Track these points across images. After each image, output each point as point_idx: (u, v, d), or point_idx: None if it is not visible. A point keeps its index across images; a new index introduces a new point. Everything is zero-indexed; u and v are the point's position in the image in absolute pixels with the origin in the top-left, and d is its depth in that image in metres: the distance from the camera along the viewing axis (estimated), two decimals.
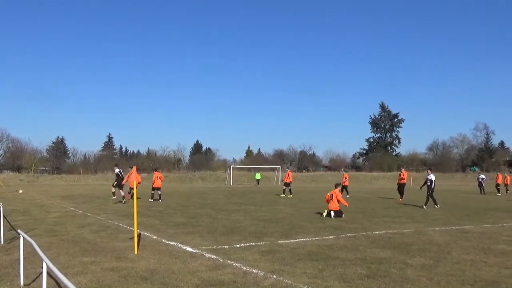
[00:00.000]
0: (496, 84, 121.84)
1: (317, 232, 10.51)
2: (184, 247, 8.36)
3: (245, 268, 6.62)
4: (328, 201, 13.94)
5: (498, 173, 33.91)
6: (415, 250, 8.23)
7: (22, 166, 70.47)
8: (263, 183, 49.81)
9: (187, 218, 13.44)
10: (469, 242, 9.24)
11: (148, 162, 76.96)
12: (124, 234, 10.13)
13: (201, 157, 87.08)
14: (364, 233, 10.34)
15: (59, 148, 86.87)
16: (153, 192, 20.75)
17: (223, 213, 14.88)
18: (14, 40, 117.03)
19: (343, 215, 13.52)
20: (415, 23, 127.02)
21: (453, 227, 11.66)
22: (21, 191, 29.16)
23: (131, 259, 7.28)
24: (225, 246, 8.48)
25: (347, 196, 23.46)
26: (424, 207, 17.55)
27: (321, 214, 13.98)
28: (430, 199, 17.97)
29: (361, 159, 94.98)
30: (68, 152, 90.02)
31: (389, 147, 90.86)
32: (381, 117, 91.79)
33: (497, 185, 31.47)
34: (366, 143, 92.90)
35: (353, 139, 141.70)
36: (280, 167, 56.83)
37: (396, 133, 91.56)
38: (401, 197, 22.34)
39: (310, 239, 9.46)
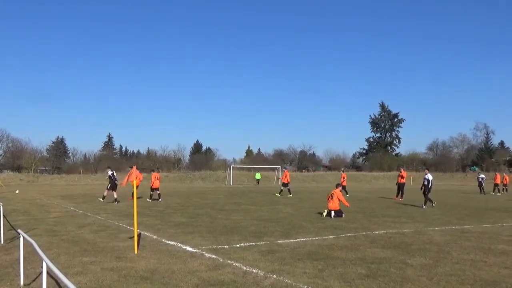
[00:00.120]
0: (496, 84, 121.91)
1: (317, 232, 10.51)
2: (184, 247, 8.37)
3: (245, 268, 6.62)
4: (328, 201, 13.96)
5: (496, 173, 33.96)
6: (415, 250, 8.24)
7: (22, 166, 70.44)
8: (263, 183, 49.82)
9: (187, 218, 13.44)
10: (469, 242, 9.25)
11: (148, 162, 76.94)
12: (124, 234, 10.13)
13: (201, 157, 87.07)
14: (364, 233, 10.34)
15: (59, 148, 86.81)
16: (151, 192, 20.78)
17: (223, 213, 14.88)
18: (14, 40, 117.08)
19: (343, 215, 13.52)
20: (415, 23, 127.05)
21: (453, 227, 11.66)
22: (17, 191, 29.15)
23: (131, 259, 7.28)
24: (225, 246, 8.48)
25: (347, 195, 23.48)
26: (424, 207, 17.56)
27: (321, 214, 13.99)
28: (424, 197, 17.99)
29: (361, 159, 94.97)
30: (68, 152, 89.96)
31: (389, 147, 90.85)
32: (381, 117, 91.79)
33: (496, 185, 31.52)
34: (366, 143, 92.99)
35: (353, 139, 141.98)
36: (280, 167, 56.81)
37: (396, 133, 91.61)
38: (401, 196, 22.37)
39: (310, 239, 9.46)
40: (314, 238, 9.51)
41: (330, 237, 9.74)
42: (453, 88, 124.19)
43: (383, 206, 18.65)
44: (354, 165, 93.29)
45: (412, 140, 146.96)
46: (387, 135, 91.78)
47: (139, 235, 8.98)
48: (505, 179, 32.80)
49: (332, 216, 13.36)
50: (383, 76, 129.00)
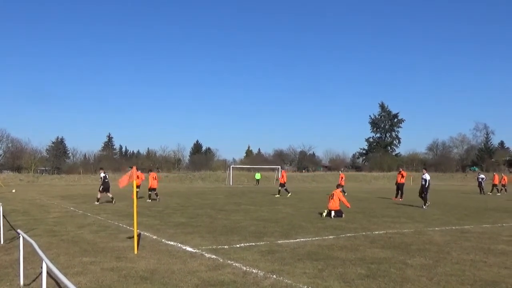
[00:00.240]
0: (496, 84, 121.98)
1: (317, 232, 10.51)
2: (184, 247, 8.37)
3: (245, 268, 6.62)
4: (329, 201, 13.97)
5: (494, 173, 34.01)
6: (415, 250, 8.24)
7: (22, 166, 70.40)
8: (263, 183, 49.81)
9: (187, 218, 13.44)
10: (468, 242, 9.25)
11: (148, 162, 76.90)
12: (124, 234, 10.13)
13: (201, 157, 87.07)
14: (364, 233, 10.34)
15: (59, 148, 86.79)
16: (150, 193, 20.82)
17: (223, 213, 14.88)
18: (14, 40, 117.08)
19: (343, 215, 13.52)
20: (415, 23, 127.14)
21: (453, 227, 11.66)
22: (13, 190, 29.14)
23: (131, 259, 7.28)
24: (225, 246, 8.48)
25: (345, 194, 23.47)
26: (424, 207, 17.56)
27: (321, 214, 13.98)
28: (426, 198, 17.99)
29: (361, 159, 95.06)
30: (68, 152, 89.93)
31: (389, 147, 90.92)
32: (381, 117, 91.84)
33: (494, 185, 31.57)
34: (366, 143, 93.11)
35: (353, 139, 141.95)
36: (279, 167, 56.85)
37: (396, 133, 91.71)
38: (401, 197, 22.36)
39: (310, 239, 9.46)
40: (314, 238, 9.51)
41: (330, 237, 9.74)
42: (453, 88, 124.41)
43: (382, 206, 18.65)
44: (354, 165, 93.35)
45: (412, 140, 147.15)
46: (387, 135, 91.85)
47: (139, 235, 8.98)
48: (504, 180, 32.85)
49: (332, 216, 13.36)
50: (383, 76, 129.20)
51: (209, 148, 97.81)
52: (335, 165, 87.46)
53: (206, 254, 7.67)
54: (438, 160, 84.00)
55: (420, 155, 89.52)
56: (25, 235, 5.67)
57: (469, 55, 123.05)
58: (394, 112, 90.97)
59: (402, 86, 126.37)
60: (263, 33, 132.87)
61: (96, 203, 18.72)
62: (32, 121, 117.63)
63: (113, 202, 18.80)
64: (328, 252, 7.97)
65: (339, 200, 13.79)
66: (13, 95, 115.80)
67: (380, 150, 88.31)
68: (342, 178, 25.91)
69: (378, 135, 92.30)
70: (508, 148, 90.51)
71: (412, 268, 6.74)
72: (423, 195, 18.17)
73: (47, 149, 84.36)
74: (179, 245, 8.63)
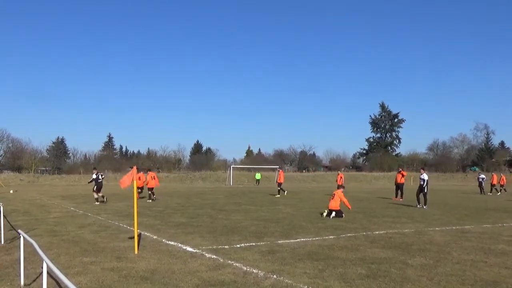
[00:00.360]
0: (496, 84, 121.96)
1: (317, 232, 10.51)
2: (184, 247, 8.37)
3: (245, 268, 6.63)
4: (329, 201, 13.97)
5: (493, 173, 34.04)
6: (415, 250, 8.24)
7: (22, 166, 70.43)
8: (263, 183, 49.82)
9: (187, 218, 13.44)
10: (469, 242, 9.24)
11: (149, 162, 76.95)
12: (124, 234, 10.13)
13: (201, 157, 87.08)
14: (364, 233, 10.34)
15: (59, 148, 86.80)
16: (149, 192, 20.86)
17: (223, 213, 14.88)
18: (14, 40, 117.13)
19: (343, 215, 13.51)
20: (415, 23, 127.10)
21: (453, 227, 11.66)
22: (11, 191, 29.14)
23: (131, 259, 7.28)
24: (225, 246, 8.48)
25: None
26: (424, 207, 17.56)
27: (321, 214, 13.98)
28: (423, 197, 18.00)
29: (361, 159, 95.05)
30: (68, 152, 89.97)
31: (389, 147, 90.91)
32: (381, 117, 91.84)
33: (493, 185, 31.59)
34: (366, 143, 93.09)
35: (353, 139, 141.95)
36: (277, 167, 56.85)
37: (396, 133, 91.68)
38: (401, 197, 22.34)
39: (310, 239, 9.46)
40: (314, 238, 9.51)
41: (330, 237, 9.74)
42: (453, 88, 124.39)
43: (383, 206, 18.65)
44: (354, 165, 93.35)
45: (412, 140, 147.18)
46: (387, 135, 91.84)
47: (139, 235, 8.99)
48: (502, 180, 32.91)
49: (331, 217, 13.34)
50: (383, 76, 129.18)
51: (209, 148, 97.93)
52: (335, 165, 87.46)
53: (206, 254, 7.67)
54: (439, 160, 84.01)
55: (421, 155, 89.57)
56: (25, 235, 5.68)
57: (469, 55, 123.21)
58: (394, 112, 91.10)
59: (402, 86, 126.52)
60: (263, 33, 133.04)
61: (96, 203, 18.75)
62: (32, 121, 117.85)
63: (105, 200, 19.09)
64: (329, 252, 7.97)
65: (340, 200, 13.78)
66: (13, 95, 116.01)
67: (380, 150, 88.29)
68: (341, 178, 25.91)
69: (378, 135, 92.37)
70: (508, 148, 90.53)
71: (413, 268, 6.74)
72: (421, 194, 18.14)
73: (47, 149, 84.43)
74: (180, 245, 8.63)
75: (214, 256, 7.49)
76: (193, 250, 8.06)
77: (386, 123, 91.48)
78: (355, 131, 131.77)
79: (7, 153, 74.76)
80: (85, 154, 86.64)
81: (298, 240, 9.32)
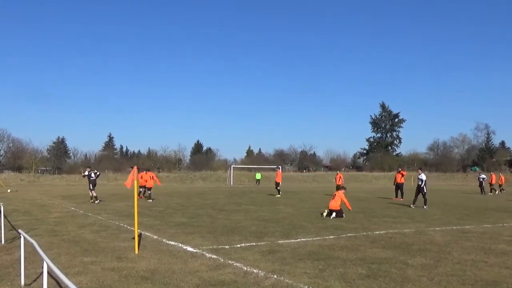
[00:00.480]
0: (496, 84, 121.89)
1: (318, 232, 10.51)
2: (184, 247, 8.37)
3: (245, 268, 6.63)
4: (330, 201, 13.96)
5: (491, 173, 34.06)
6: (415, 250, 8.23)
7: (22, 166, 70.43)
8: (264, 183, 49.81)
9: (187, 218, 13.44)
10: (469, 242, 9.24)
11: (149, 162, 76.98)
12: (124, 234, 10.14)
13: (201, 157, 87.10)
14: (364, 233, 10.34)
15: (59, 148, 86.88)
16: (150, 192, 20.90)
17: (224, 213, 14.89)
18: (14, 40, 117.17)
19: (343, 215, 13.51)
20: (415, 23, 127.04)
21: (454, 227, 11.65)
22: (9, 190, 29.15)
23: (131, 259, 7.28)
24: (226, 246, 8.48)
25: None
26: (424, 207, 17.55)
27: (322, 214, 13.98)
28: (422, 197, 18.00)
29: (361, 159, 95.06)
30: (68, 152, 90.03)
31: (389, 147, 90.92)
32: (381, 117, 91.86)
33: (490, 184, 31.61)
34: (366, 143, 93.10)
35: (353, 139, 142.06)
36: (280, 167, 56.86)
37: (397, 133, 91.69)
38: (402, 197, 22.33)
39: (310, 239, 9.46)
40: (314, 238, 9.51)
41: (330, 237, 9.74)
42: (453, 88, 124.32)
43: (383, 206, 18.65)
44: (354, 165, 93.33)
45: (412, 140, 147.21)
46: (388, 135, 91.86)
47: (139, 235, 8.99)
48: (501, 180, 32.94)
49: (331, 217, 13.33)
50: (383, 76, 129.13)
51: (209, 148, 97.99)
52: (335, 165, 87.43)
53: (206, 254, 7.68)
54: (439, 160, 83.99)
55: (421, 155, 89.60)
56: (26, 235, 5.68)
57: (469, 55, 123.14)
58: (394, 112, 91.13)
59: (402, 86, 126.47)
60: (263, 33, 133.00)
61: (96, 202, 18.77)
62: (32, 121, 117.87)
63: (96, 201, 18.99)
64: (329, 252, 7.97)
65: (341, 200, 13.78)
66: (13, 95, 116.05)
67: (380, 150, 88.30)
68: (340, 178, 25.89)
69: (378, 135, 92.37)
70: (509, 148, 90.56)
71: (413, 268, 6.74)
72: (420, 195, 18.14)
73: (48, 149, 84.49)
74: (180, 245, 8.64)
75: (214, 256, 7.49)
76: (193, 250, 8.06)
77: (386, 123, 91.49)
78: (355, 131, 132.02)
79: (7, 153, 74.82)
80: (86, 154, 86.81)
81: (298, 240, 9.32)
